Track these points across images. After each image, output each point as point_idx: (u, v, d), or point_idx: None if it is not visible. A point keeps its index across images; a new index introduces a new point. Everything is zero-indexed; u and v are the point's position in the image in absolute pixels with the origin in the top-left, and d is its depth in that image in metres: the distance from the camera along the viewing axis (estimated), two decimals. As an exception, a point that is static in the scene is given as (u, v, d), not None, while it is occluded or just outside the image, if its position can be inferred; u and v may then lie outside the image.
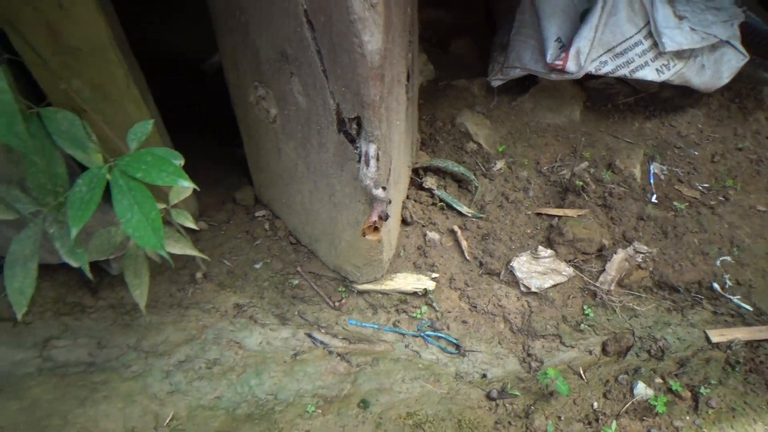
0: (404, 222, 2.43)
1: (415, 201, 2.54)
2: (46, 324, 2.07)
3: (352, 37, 1.37)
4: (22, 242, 1.45)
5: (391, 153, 1.78)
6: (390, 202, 1.77)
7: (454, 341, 2.21)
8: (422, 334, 2.21)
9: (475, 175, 2.68)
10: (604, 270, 2.37)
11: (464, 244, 2.41)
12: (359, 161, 1.63)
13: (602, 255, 2.41)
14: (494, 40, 3.20)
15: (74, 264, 1.43)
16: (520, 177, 2.70)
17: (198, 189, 1.42)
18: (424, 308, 2.25)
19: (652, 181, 2.72)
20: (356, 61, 1.41)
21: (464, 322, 2.26)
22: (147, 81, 2.06)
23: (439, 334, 2.21)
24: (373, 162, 1.60)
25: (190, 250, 1.70)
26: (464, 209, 2.53)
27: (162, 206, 1.75)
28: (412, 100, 2.33)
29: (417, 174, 2.64)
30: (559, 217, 2.50)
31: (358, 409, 2.02)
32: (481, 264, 2.38)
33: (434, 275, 2.27)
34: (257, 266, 2.31)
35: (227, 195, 2.55)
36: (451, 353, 2.19)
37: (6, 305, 2.06)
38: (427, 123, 2.92)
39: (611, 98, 3.10)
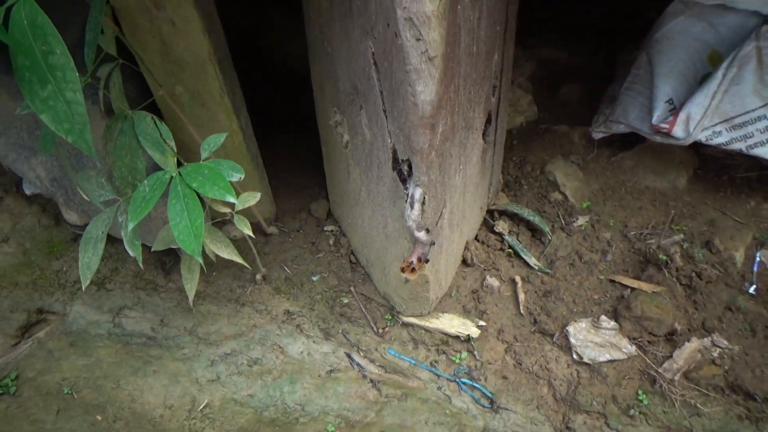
0: (465, 263, 2.41)
1: (482, 243, 2.50)
2: (123, 294, 2.31)
3: (407, 86, 1.39)
4: (96, 224, 1.65)
5: (444, 197, 1.78)
6: (433, 244, 1.77)
7: (490, 395, 2.14)
8: (457, 380, 2.17)
9: (552, 227, 2.58)
10: (671, 357, 2.17)
11: (522, 297, 2.33)
12: (406, 201, 1.65)
13: (672, 340, 2.21)
14: (607, 90, 3.05)
15: (131, 252, 1.60)
16: (601, 238, 2.55)
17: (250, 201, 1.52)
18: (465, 354, 2.21)
19: (756, 268, 2.45)
20: (408, 109, 1.44)
21: (504, 377, 2.19)
22: (271, 88, 2.23)
23: (475, 384, 2.16)
24: (417, 206, 1.62)
25: (235, 257, 1.82)
26: (532, 260, 2.45)
27: (227, 210, 1.89)
28: (495, 143, 2.31)
29: (491, 216, 2.60)
30: (633, 289, 2.33)
31: (376, 439, 2.03)
32: (535, 321, 2.29)
33: (481, 323, 2.22)
34: (314, 278, 2.41)
35: (304, 204, 2.68)
36: (483, 406, 2.13)
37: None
38: (516, 165, 2.86)
39: (728, 170, 2.83)
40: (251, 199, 1.95)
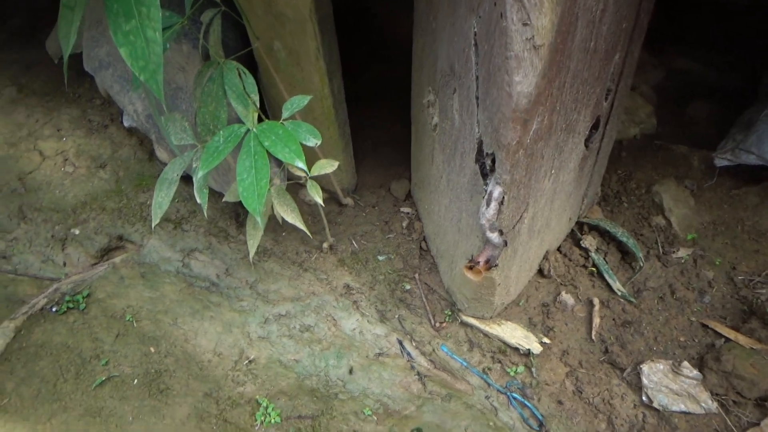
0: (541, 273, 2.24)
1: (564, 256, 2.31)
2: (197, 237, 2.37)
3: (504, 74, 1.26)
4: (172, 167, 1.67)
5: (527, 200, 1.64)
6: (505, 246, 1.64)
7: (540, 417, 2.00)
8: (509, 393, 2.04)
9: (647, 254, 2.33)
10: (758, 425, 1.91)
11: (597, 321, 2.13)
12: (483, 197, 1.53)
13: (763, 406, 1.94)
14: (743, 113, 2.70)
15: (198, 200, 1.60)
16: (702, 276, 2.28)
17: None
18: (521, 368, 2.06)
19: None
20: (502, 99, 1.31)
21: (560, 402, 2.02)
22: (374, 57, 2.16)
23: (526, 402, 2.02)
24: (493, 205, 1.49)
25: (299, 224, 1.78)
26: (616, 284, 2.23)
27: (302, 174, 1.86)
28: (599, 152, 2.10)
29: (580, 229, 2.39)
30: (727, 339, 2.06)
31: (412, 430, 1.96)
32: (606, 350, 2.09)
33: (545, 340, 2.06)
34: (381, 258, 2.34)
35: (385, 181, 2.61)
36: (531, 427, 1.99)
37: (174, 209, 2.41)
38: (620, 179, 2.61)
39: None
40: (328, 166, 1.90)
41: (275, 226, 2.39)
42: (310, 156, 2.08)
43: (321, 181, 2.44)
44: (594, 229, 2.39)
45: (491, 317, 2.09)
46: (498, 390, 2.05)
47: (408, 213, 2.47)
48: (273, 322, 2.20)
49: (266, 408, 1.96)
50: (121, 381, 1.98)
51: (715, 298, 2.23)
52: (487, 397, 2.05)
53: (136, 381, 1.99)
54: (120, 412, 1.92)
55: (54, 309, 2.09)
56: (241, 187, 1.44)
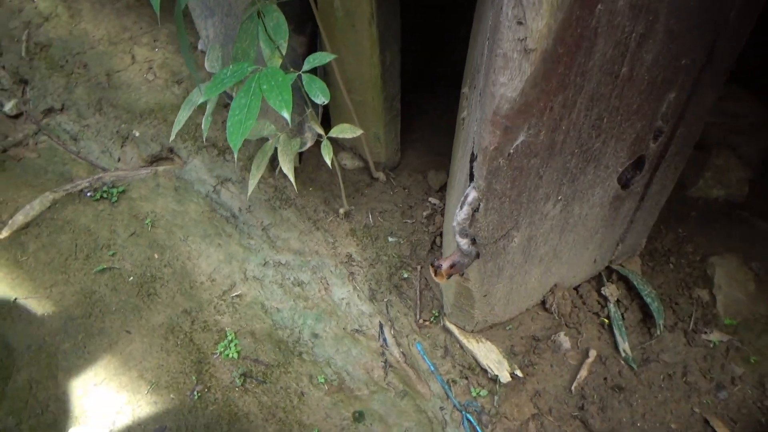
0: (544, 305, 2.09)
1: (579, 297, 2.14)
2: (234, 168, 2.48)
3: (491, 72, 1.18)
4: (197, 91, 1.75)
5: (518, 218, 1.53)
6: (477, 257, 1.54)
7: (487, 448, 1.89)
8: (464, 413, 1.95)
9: (674, 325, 2.09)
10: None
11: (583, 374, 1.96)
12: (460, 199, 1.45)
13: None
14: None
15: (203, 126, 1.67)
16: (728, 369, 2.00)
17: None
18: (485, 392, 1.96)
19: None
20: (486, 98, 1.22)
21: (513, 441, 1.91)
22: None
23: (478, 428, 1.92)
24: (466, 209, 1.40)
25: (290, 175, 1.79)
26: (624, 345, 2.03)
27: (319, 131, 1.87)
28: (642, 197, 1.90)
29: (608, 274, 2.19)
30: (724, 443, 1.81)
31: (351, 416, 1.94)
32: (582, 407, 1.92)
33: (518, 373, 1.93)
34: (391, 239, 2.31)
35: (425, 167, 2.55)
36: (474, 454, 1.90)
37: (222, 137, 2.52)
38: (677, 238, 2.34)
39: None
40: (349, 131, 1.89)
41: (305, 179, 2.43)
42: (350, 120, 2.08)
43: (358, 148, 2.45)
44: (623, 279, 2.18)
45: (472, 331, 1.99)
46: (455, 405, 1.97)
47: (434, 204, 2.40)
48: (271, 267, 2.27)
49: (230, 341, 2.04)
50: (119, 274, 2.15)
51: (733, 397, 1.95)
52: (441, 408, 1.97)
53: (131, 278, 2.15)
54: (107, 300, 2.09)
55: (89, 194, 2.31)
56: (230, 121, 1.47)
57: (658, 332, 2.04)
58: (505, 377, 1.91)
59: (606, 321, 2.10)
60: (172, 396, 1.88)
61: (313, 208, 2.38)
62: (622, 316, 2.11)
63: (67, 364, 1.93)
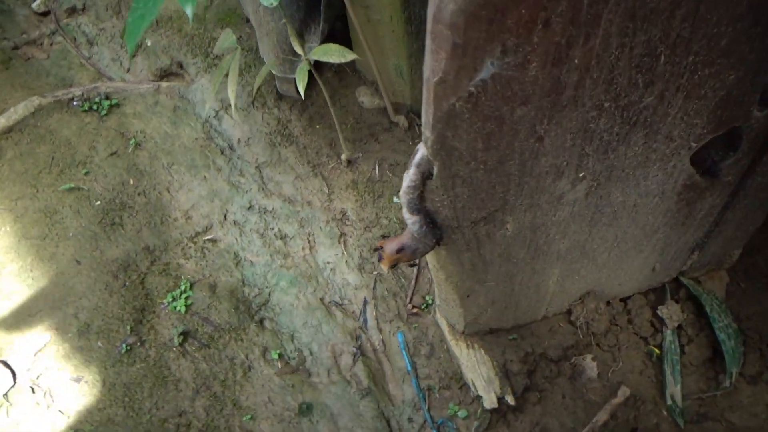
0: (569, 317, 1.57)
1: (622, 311, 1.59)
2: (242, 94, 2.12)
3: None
4: None
5: (505, 195, 1.04)
6: (437, 244, 1.08)
7: (456, 483, 1.47)
8: (433, 429, 1.53)
9: (760, 376, 1.49)
10: None
11: (603, 418, 1.45)
12: (414, 160, 0.98)
13: None
14: None
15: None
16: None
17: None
18: (464, 413, 1.52)
19: None
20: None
21: (491, 482, 1.46)
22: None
23: (450, 456, 1.50)
24: (413, 172, 0.94)
25: (293, 92, 1.40)
26: (673, 391, 1.48)
27: (297, 48, 1.46)
28: (736, 190, 1.30)
29: (675, 290, 1.61)
30: None
31: (297, 407, 1.60)
32: (593, 462, 1.42)
33: (510, 401, 1.45)
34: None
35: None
36: (438, 486, 1.49)
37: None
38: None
39: None
40: (335, 54, 1.46)
41: (314, 113, 2.03)
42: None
43: (372, 87, 1.99)
44: (692, 300, 1.59)
45: (462, 332, 1.53)
46: (427, 420, 1.55)
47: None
48: (255, 213, 1.93)
49: (183, 292, 1.75)
50: (86, 197, 1.92)
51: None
52: (410, 420, 1.57)
53: (98, 203, 1.91)
54: (67, 223, 1.87)
55: (77, 103, 2.08)
56: (130, 17, 1.11)
57: (729, 382, 1.45)
58: (490, 402, 1.44)
59: (656, 351, 1.55)
60: (99, 344, 1.64)
61: (315, 150, 1.99)
62: (682, 350, 1.53)
63: (8, 288, 1.75)
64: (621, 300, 1.61)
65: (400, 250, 1.06)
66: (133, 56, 2.28)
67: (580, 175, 1.06)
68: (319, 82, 1.69)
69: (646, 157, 1.08)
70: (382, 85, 1.81)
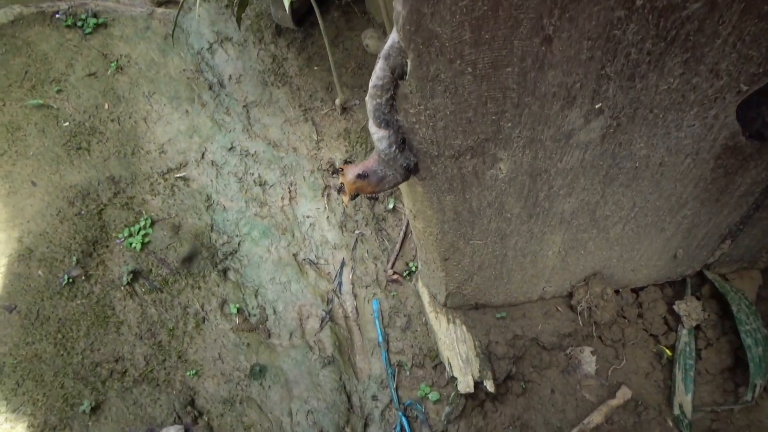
0: (569, 301, 1.35)
1: (632, 302, 1.36)
2: (238, 30, 1.93)
3: None
4: None
5: (500, 119, 0.83)
6: (414, 170, 0.87)
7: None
8: (400, 414, 1.33)
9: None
10: None
11: (596, 419, 1.24)
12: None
13: None
14: None
15: None
16: None
17: None
18: (435, 396, 1.32)
19: None
20: None
21: (456, 479, 1.26)
22: None
23: (413, 443, 1.30)
24: (381, 65, 0.74)
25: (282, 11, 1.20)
26: (682, 400, 1.26)
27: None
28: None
29: (698, 285, 1.38)
30: None
31: (249, 368, 1.41)
32: (578, 470, 1.21)
33: (490, 388, 1.24)
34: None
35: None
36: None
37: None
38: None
39: None
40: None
41: (313, 54, 1.84)
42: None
43: (380, 30, 1.78)
44: (716, 298, 1.35)
45: (444, 304, 1.32)
46: (393, 399, 1.35)
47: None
48: (236, 154, 1.74)
49: (141, 228, 1.57)
50: (54, 116, 1.75)
51: None
52: (374, 398, 1.37)
53: (66, 124, 1.74)
54: (30, 141, 1.70)
55: (60, 16, 1.91)
56: None
57: (750, 396, 1.22)
58: (465, 385, 1.23)
59: (667, 352, 1.32)
60: (40, 272, 1.47)
61: (309, 93, 1.79)
62: (698, 354, 1.31)
63: (-44, 201, 1.59)
64: (632, 290, 1.38)
65: (363, 176, 0.85)
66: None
67: (597, 106, 0.85)
68: (320, 19, 1.49)
69: (682, 96, 0.86)
70: (390, 26, 1.60)
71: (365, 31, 1.83)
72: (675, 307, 1.33)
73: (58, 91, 1.79)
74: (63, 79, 1.82)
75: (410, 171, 0.86)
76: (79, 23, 1.92)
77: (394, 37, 0.71)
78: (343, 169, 0.86)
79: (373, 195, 1.48)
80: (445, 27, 0.68)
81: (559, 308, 1.35)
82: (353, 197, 0.87)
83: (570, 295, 1.35)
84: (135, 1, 2.08)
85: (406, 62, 0.72)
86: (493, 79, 0.76)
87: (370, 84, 0.76)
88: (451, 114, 0.80)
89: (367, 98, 0.78)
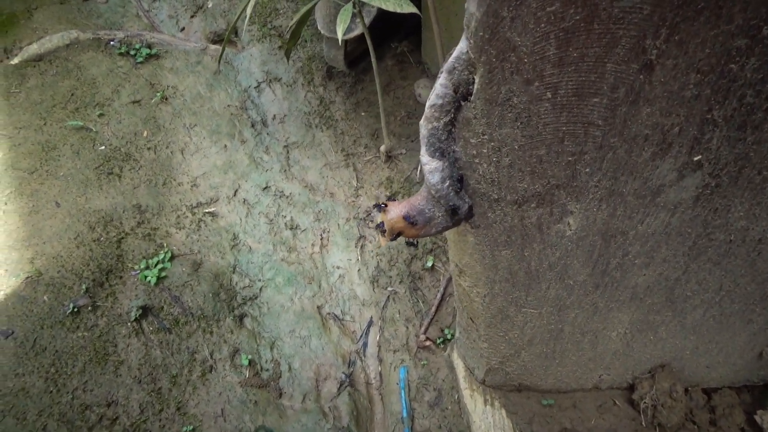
0: (630, 395, 1.15)
1: (704, 406, 1.16)
2: (289, 70, 1.89)
3: None
4: None
5: (577, 163, 0.70)
6: (470, 213, 0.74)
7: None
8: None
9: None
10: None
11: None
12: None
13: None
14: None
15: None
16: None
17: None
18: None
19: None
20: None
21: None
22: None
23: None
24: (442, 78, 0.62)
25: (334, 35, 1.13)
26: None
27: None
28: None
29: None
30: None
31: (253, 430, 1.24)
32: None
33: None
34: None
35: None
36: None
37: (300, 40, 1.96)
38: None
39: None
40: (389, 2, 1.18)
41: (362, 99, 1.76)
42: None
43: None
44: (810, 411, 1.13)
45: (483, 381, 1.15)
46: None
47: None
48: (270, 195, 1.65)
49: (159, 262, 1.46)
50: (92, 139, 1.70)
51: None
52: (390, 484, 1.17)
53: (102, 148, 1.69)
54: (62, 161, 1.65)
55: (113, 44, 1.91)
56: None
57: None
58: (501, 484, 1.04)
59: (746, 470, 1.10)
60: (45, 298, 1.36)
61: (353, 138, 1.70)
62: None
63: (-22, 215, 1.53)
64: (704, 391, 1.18)
65: (408, 217, 0.72)
66: (192, 16, 2.12)
67: (696, 158, 0.70)
68: (374, 61, 1.42)
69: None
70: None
71: (418, 81, 1.75)
72: (757, 418, 1.12)
73: (100, 115, 1.76)
74: (107, 103, 1.79)
75: (463, 217, 0.72)
76: (132, 52, 1.92)
77: (462, 47, 0.59)
78: (386, 205, 0.73)
79: (414, 241, 1.34)
80: (526, 37, 0.56)
81: (617, 402, 1.15)
82: (393, 238, 0.73)
83: (631, 387, 1.15)
84: (190, 37, 2.08)
85: (473, 79, 0.61)
86: (576, 110, 0.63)
87: (427, 104, 0.64)
88: (520, 149, 0.67)
89: (421, 121, 0.66)
